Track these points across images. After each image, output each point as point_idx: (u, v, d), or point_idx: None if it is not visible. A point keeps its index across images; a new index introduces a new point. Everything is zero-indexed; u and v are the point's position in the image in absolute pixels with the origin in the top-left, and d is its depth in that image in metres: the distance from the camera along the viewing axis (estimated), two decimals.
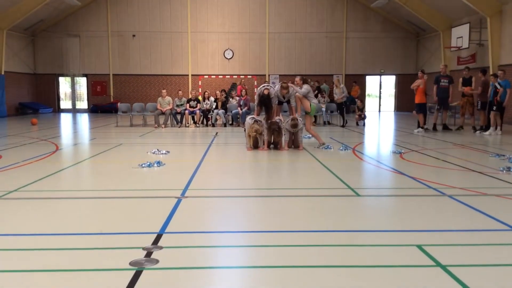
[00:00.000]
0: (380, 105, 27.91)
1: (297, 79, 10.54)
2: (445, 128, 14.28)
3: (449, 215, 4.70)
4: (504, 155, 8.62)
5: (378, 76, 27.04)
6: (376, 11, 25.88)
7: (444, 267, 3.20)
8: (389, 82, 27.79)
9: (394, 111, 27.25)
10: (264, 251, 3.62)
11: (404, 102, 26.74)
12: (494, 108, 13.02)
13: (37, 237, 3.93)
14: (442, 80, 14.03)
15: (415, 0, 22.01)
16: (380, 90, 27.66)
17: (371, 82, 27.55)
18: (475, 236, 4.01)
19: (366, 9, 26.02)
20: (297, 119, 9.72)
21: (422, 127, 13.86)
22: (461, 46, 20.22)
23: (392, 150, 9.53)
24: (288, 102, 10.15)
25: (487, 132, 12.94)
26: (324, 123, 17.27)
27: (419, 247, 3.61)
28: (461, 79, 14.85)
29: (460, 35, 20.23)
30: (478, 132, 13.46)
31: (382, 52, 26.48)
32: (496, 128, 13.00)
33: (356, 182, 6.49)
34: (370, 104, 28.64)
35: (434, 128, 14.13)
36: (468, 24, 19.63)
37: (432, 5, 21.83)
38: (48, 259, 3.40)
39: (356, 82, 24.60)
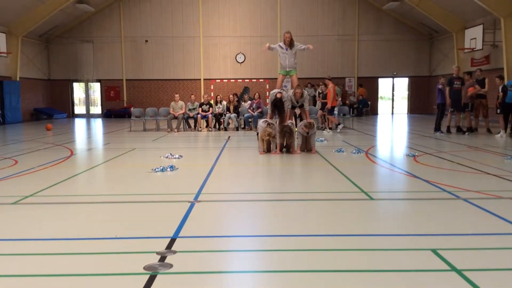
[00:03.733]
0: (393, 107, 27.75)
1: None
2: (459, 130, 14.14)
3: (464, 218, 4.65)
4: None
5: (391, 79, 26.92)
6: (388, 13, 25.74)
7: (459, 272, 3.17)
8: (402, 84, 27.65)
9: (407, 113, 27.07)
10: (278, 255, 3.62)
11: (417, 105, 26.64)
12: (498, 111, 13.30)
13: (52, 242, 3.97)
14: (455, 82, 13.89)
15: (428, 2, 21.86)
16: (393, 93, 27.51)
17: (384, 84, 27.44)
18: (491, 240, 3.96)
19: (378, 12, 25.91)
20: (310, 122, 9.72)
21: (330, 128, 14.99)
22: (475, 48, 20.02)
23: (406, 153, 9.46)
24: (302, 106, 10.16)
25: (498, 135, 12.84)
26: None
27: (434, 251, 3.57)
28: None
29: (474, 37, 20.03)
30: (466, 134, 13.52)
31: (395, 54, 26.34)
32: (505, 131, 12.94)
33: (369, 185, 6.45)
34: (383, 107, 28.54)
35: (448, 131, 14.00)
36: (481, 25, 19.43)
37: (445, 7, 21.65)
38: (63, 264, 3.43)
39: (362, 85, 25.78)
